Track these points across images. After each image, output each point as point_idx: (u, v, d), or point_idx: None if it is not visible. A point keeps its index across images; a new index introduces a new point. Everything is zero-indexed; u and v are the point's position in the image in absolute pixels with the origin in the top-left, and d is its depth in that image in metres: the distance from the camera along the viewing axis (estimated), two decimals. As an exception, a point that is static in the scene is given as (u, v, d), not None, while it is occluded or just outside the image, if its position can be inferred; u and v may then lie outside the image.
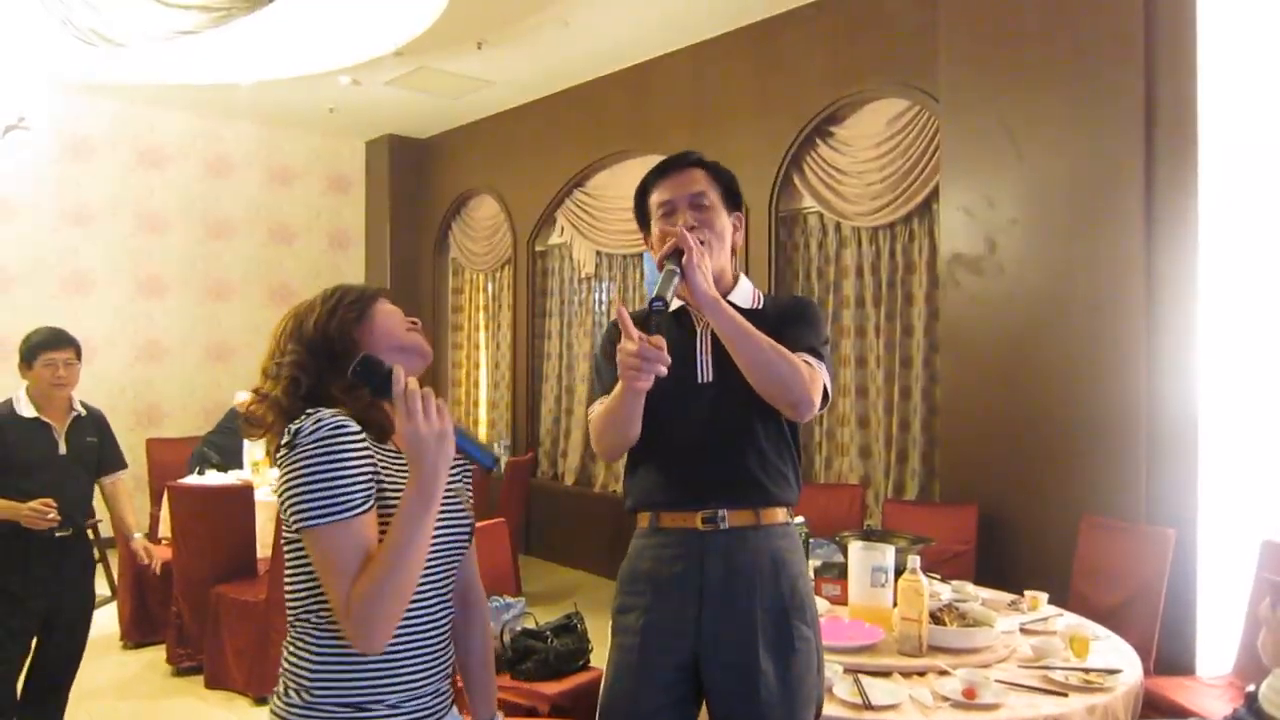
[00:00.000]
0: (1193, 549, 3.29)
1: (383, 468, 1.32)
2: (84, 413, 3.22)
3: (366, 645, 1.24)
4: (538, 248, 7.03)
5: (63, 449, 3.12)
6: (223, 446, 5.41)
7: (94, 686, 4.10)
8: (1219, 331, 3.36)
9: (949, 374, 4.16)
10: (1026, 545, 3.75)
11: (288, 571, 1.35)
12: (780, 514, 1.82)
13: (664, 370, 1.58)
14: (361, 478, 1.27)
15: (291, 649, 1.35)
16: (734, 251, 1.95)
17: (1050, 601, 2.85)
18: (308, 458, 1.25)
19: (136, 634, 4.55)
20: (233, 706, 3.91)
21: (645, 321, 1.91)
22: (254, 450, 5.13)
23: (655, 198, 1.92)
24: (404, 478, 1.32)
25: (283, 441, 1.28)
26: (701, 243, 1.77)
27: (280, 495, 1.28)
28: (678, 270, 1.67)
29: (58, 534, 3.02)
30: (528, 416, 7.03)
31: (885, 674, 2.17)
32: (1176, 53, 3.39)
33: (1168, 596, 3.04)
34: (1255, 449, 3.40)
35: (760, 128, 5.22)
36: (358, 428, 1.29)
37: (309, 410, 1.30)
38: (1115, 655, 2.39)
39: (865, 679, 2.10)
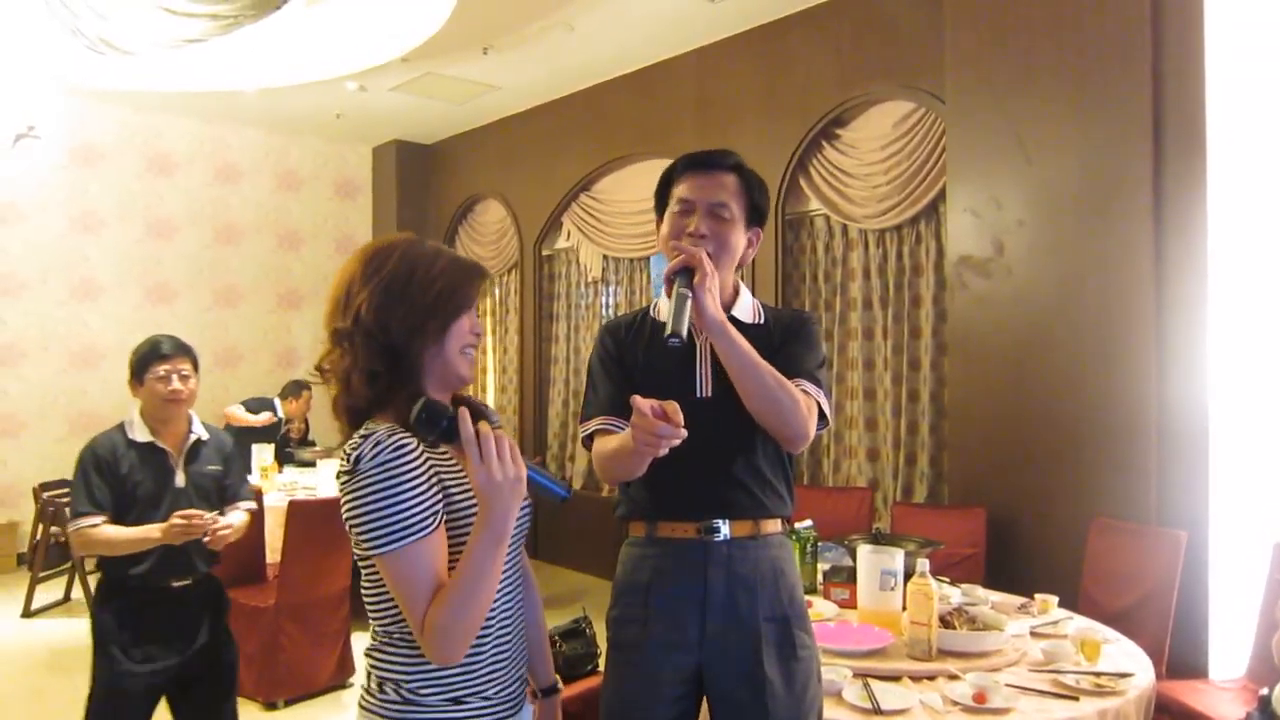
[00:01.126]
0: (1204, 551, 3.27)
1: (445, 476, 1.32)
2: (205, 436, 2.72)
3: (443, 661, 1.28)
4: (544, 252, 7.04)
5: (180, 480, 2.63)
6: None
7: (104, 692, 4.11)
8: (1229, 333, 3.34)
9: (957, 376, 4.15)
10: (1036, 548, 3.73)
11: (367, 586, 1.36)
12: (776, 525, 1.82)
13: (678, 441, 1.50)
14: (426, 498, 1.26)
15: (382, 651, 1.36)
16: (740, 266, 1.88)
17: (1061, 605, 2.83)
18: (372, 483, 1.24)
19: (146, 639, 4.55)
20: (243, 712, 3.87)
21: (639, 324, 1.88)
22: (262, 455, 5.14)
23: (678, 190, 1.83)
24: (468, 484, 1.32)
25: (342, 467, 1.28)
26: (709, 255, 1.70)
27: (347, 520, 1.28)
28: (689, 294, 1.61)
29: (175, 583, 2.58)
30: (535, 420, 7.03)
31: (895, 678, 2.16)
32: (1184, 52, 3.37)
33: (1179, 599, 3.02)
34: (1267, 450, 3.38)
35: (766, 131, 5.22)
36: (415, 443, 1.27)
37: (364, 432, 1.28)
38: (1127, 659, 2.37)
39: (875, 683, 2.09)
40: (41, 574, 5.36)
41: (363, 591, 1.38)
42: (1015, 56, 3.85)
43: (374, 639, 1.39)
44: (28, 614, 5.26)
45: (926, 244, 4.61)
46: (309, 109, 7.00)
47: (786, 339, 1.83)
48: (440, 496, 1.29)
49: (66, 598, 5.51)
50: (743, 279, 1.97)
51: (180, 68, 5.71)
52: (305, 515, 3.90)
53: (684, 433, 1.48)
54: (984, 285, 3.97)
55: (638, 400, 1.50)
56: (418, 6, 5.10)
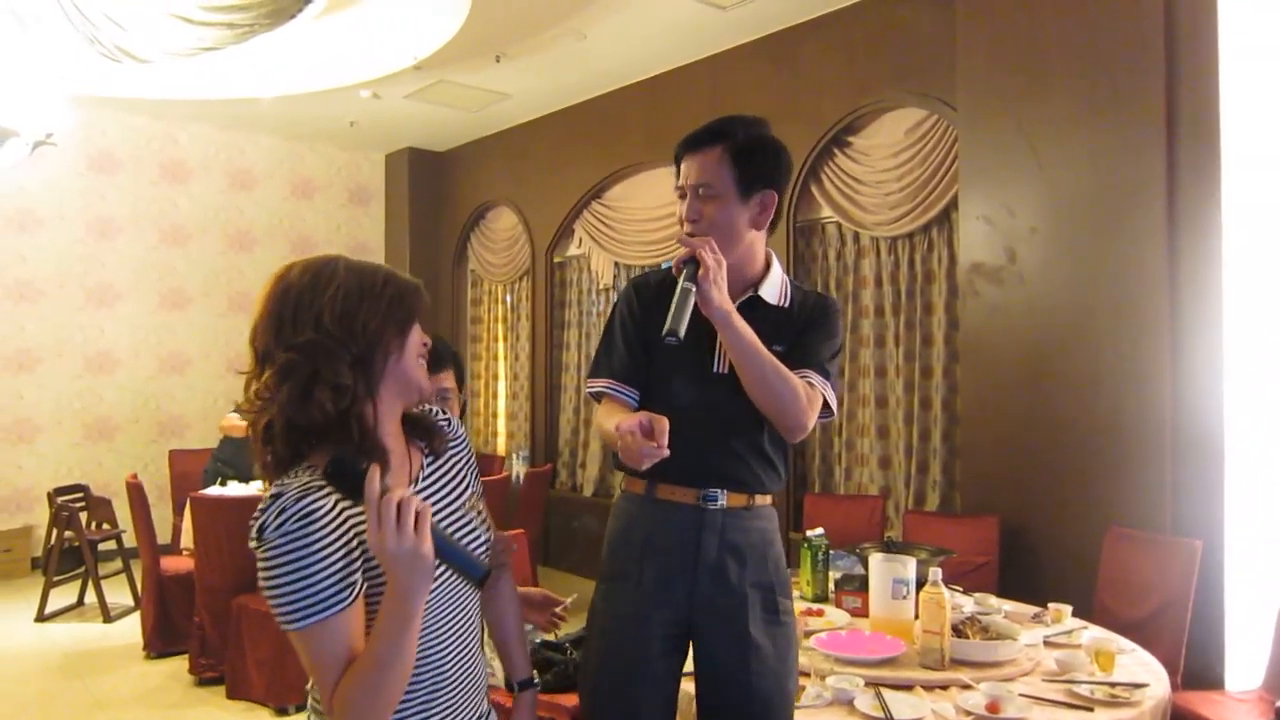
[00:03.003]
0: (1220, 560, 3.25)
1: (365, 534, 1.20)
2: None
3: None
4: (556, 259, 7.05)
5: None
6: (230, 460, 5.38)
7: (117, 697, 4.14)
8: (1244, 338, 3.32)
9: (969, 384, 4.13)
10: (1049, 557, 3.71)
11: None
12: (768, 499, 1.86)
13: (659, 459, 1.54)
14: (338, 570, 1.15)
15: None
16: (765, 229, 1.84)
17: (1074, 614, 2.81)
18: (278, 555, 1.13)
19: (159, 644, 4.59)
20: (254, 717, 3.93)
21: (667, 287, 1.83)
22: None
23: (680, 175, 1.86)
24: None
25: (251, 532, 1.16)
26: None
27: (261, 590, 1.18)
28: (692, 288, 1.63)
29: None
30: (546, 427, 7.04)
31: (907, 687, 2.15)
32: (1197, 58, 3.36)
33: (1195, 609, 3.00)
34: (1283, 459, 3.36)
35: (778, 138, 5.20)
36: (327, 505, 1.17)
37: (274, 491, 1.17)
38: (1141, 669, 2.35)
39: (887, 693, 2.08)
40: (55, 578, 5.39)
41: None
42: (1027, 63, 3.84)
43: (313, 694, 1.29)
44: (41, 618, 5.29)
45: (939, 251, 4.60)
46: (323, 116, 7.04)
47: (807, 326, 1.84)
48: (359, 563, 1.18)
49: (80, 602, 5.54)
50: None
51: (196, 76, 5.76)
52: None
53: (666, 452, 1.53)
54: (996, 293, 3.95)
55: (623, 423, 1.55)
56: (431, 15, 5.13)
